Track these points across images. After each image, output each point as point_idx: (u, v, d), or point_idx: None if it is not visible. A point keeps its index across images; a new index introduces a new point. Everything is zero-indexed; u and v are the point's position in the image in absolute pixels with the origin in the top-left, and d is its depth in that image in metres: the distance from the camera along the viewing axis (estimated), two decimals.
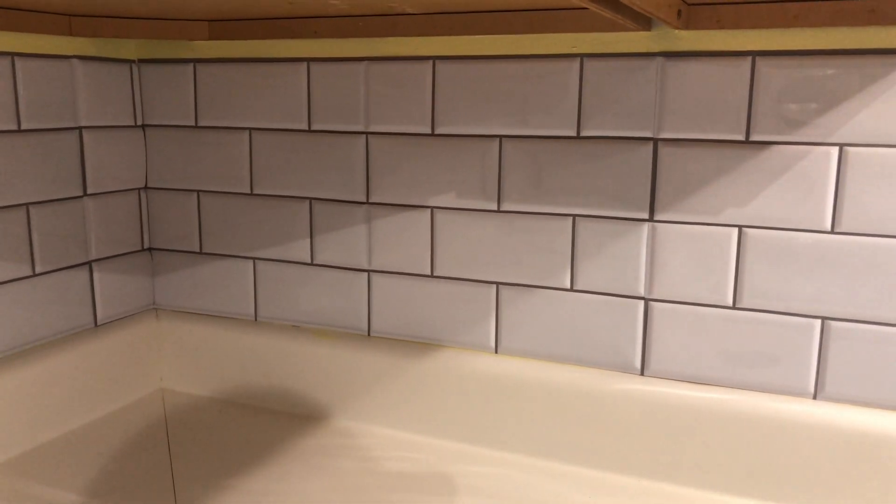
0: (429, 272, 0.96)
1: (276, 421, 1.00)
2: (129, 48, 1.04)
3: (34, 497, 0.80)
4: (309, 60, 0.96)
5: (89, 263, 1.01)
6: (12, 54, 0.89)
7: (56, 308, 0.97)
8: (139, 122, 1.06)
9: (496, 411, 0.92)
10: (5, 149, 0.89)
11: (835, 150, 0.77)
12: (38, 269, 0.94)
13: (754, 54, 0.78)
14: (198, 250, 1.08)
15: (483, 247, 0.92)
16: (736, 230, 0.81)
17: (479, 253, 0.93)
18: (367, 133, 0.95)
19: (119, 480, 0.84)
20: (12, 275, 0.91)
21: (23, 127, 0.91)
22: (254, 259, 1.05)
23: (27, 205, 0.92)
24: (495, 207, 0.91)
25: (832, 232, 0.78)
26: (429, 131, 0.92)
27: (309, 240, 1.01)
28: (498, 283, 0.92)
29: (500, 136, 0.89)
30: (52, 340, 0.96)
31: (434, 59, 0.90)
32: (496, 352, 0.94)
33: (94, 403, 1.00)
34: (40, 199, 0.94)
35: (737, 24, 0.76)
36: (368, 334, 1.00)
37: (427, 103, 0.92)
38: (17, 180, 0.91)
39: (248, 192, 1.03)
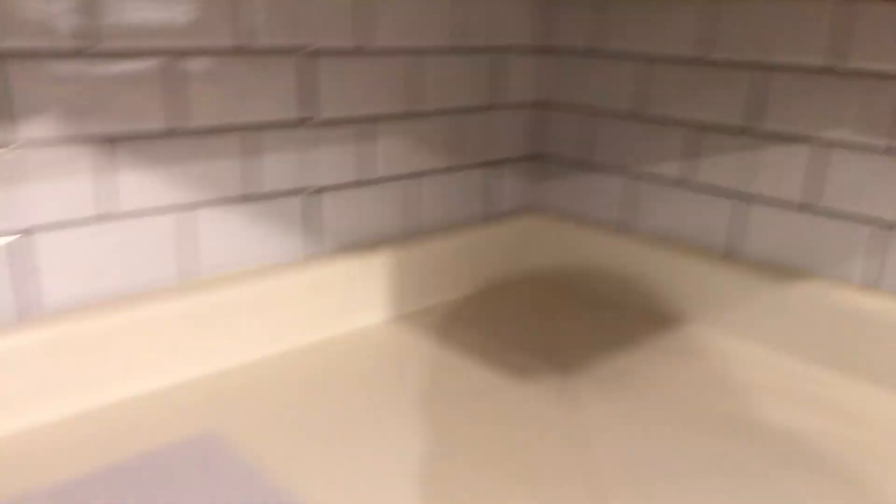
0: (811, 202, 0.97)
1: (632, 320, 1.10)
2: None
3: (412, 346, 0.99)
4: None
5: (484, 165, 1.19)
6: None
7: (458, 200, 1.16)
8: (542, 44, 1.20)
9: (867, 343, 0.91)
10: (437, 66, 1.07)
11: None
12: (450, 164, 1.14)
13: None
14: (587, 159, 1.20)
15: (874, 184, 0.91)
16: None
17: (870, 187, 0.92)
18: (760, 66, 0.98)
19: (504, 342, 1.00)
20: (435, 166, 1.11)
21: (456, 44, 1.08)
22: (634, 174, 1.14)
23: (454, 110, 1.11)
24: (885, 144, 0.89)
25: None
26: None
27: (687, 162, 1.08)
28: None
29: None
30: (448, 226, 1.17)
31: None
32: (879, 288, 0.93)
33: (473, 278, 1.18)
34: (464, 106, 1.12)
35: None
36: (736, 257, 1.05)
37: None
38: (452, 91, 1.09)
39: (638, 113, 1.12)
